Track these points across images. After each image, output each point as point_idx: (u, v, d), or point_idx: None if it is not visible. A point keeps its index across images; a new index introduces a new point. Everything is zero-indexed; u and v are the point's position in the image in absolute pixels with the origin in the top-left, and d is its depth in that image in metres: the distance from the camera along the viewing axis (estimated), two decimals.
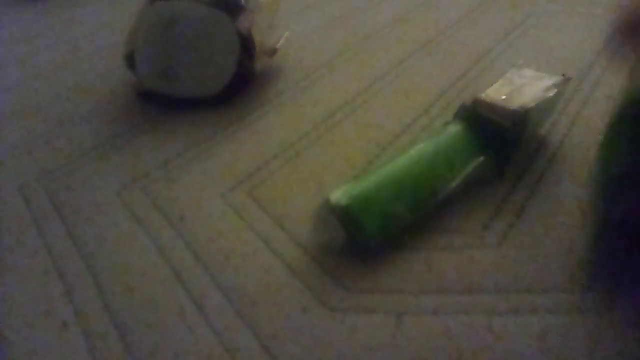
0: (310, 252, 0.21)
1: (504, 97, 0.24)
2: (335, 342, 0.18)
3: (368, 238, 0.20)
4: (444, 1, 0.46)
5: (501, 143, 0.24)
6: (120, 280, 0.21)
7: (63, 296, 0.21)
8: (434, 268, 0.20)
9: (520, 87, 0.25)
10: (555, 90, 0.25)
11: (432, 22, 0.42)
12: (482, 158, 0.23)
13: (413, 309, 0.19)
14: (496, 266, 0.20)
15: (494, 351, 0.17)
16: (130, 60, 0.32)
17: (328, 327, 0.18)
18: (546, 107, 0.25)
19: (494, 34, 0.39)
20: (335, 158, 0.27)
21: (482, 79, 0.33)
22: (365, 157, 0.27)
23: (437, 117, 0.29)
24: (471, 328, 0.18)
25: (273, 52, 0.36)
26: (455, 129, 0.24)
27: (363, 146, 0.28)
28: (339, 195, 0.21)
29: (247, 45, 0.32)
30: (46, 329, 0.19)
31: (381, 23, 0.43)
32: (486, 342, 0.17)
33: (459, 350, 0.17)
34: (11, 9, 0.56)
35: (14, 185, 0.27)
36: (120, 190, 0.26)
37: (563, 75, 0.25)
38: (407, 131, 0.29)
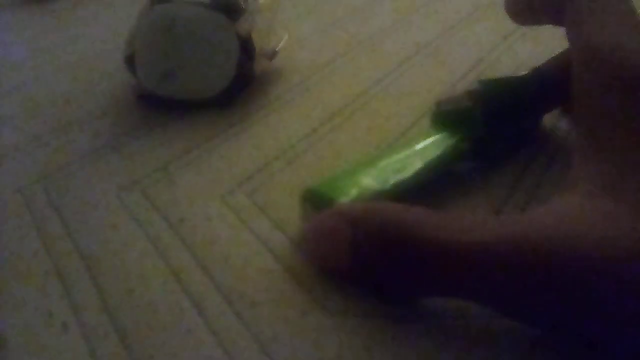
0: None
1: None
2: (334, 345, 0.18)
3: None
4: (444, 3, 0.46)
5: (470, 126, 0.24)
6: (120, 282, 0.21)
7: (63, 297, 0.21)
8: None
9: None
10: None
11: (432, 24, 0.42)
12: (454, 139, 0.23)
13: (412, 312, 0.19)
14: None
15: (494, 353, 0.17)
16: (130, 62, 0.32)
17: (327, 330, 0.18)
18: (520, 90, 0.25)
19: (494, 35, 0.39)
20: (335, 160, 0.27)
21: None
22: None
23: None
24: (471, 330, 0.18)
25: (273, 54, 0.36)
26: (431, 132, 0.24)
27: (363, 148, 0.28)
28: (315, 184, 0.21)
29: (246, 48, 0.32)
30: (46, 330, 0.19)
31: (381, 25, 0.43)
32: (486, 343, 0.17)
33: (459, 352, 0.17)
34: (11, 11, 0.56)
35: (13, 187, 0.27)
36: (120, 192, 0.26)
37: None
38: (407, 133, 0.29)
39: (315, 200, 0.21)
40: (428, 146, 0.23)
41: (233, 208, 0.24)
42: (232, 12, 0.32)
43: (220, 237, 0.23)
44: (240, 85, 0.33)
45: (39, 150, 0.30)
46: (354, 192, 0.21)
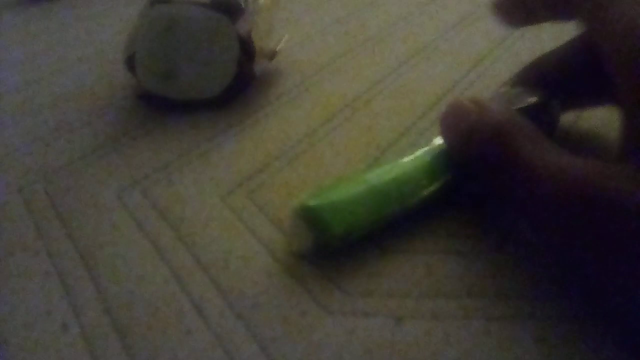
0: (309, 256, 0.21)
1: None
2: (334, 345, 0.18)
3: (333, 239, 0.20)
4: (443, 4, 0.46)
5: None
6: (119, 282, 0.21)
7: (63, 298, 0.21)
8: (434, 272, 0.20)
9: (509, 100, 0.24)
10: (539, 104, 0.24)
11: (432, 24, 0.42)
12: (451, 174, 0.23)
13: (412, 312, 0.19)
14: (496, 271, 0.20)
15: (493, 356, 0.17)
16: (130, 62, 0.32)
17: (327, 331, 0.18)
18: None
19: (493, 36, 0.39)
20: (334, 161, 0.27)
21: (481, 81, 0.33)
22: (364, 160, 0.27)
23: (437, 120, 0.29)
24: (470, 332, 0.18)
25: (273, 54, 0.36)
26: (438, 143, 0.23)
27: (362, 149, 0.28)
28: (306, 197, 0.21)
29: (246, 48, 0.32)
30: (46, 331, 0.19)
31: (380, 26, 0.43)
32: (485, 346, 0.17)
33: (458, 354, 0.17)
34: (12, 11, 0.56)
35: (14, 187, 0.28)
36: (120, 192, 0.26)
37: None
38: (407, 134, 0.29)
39: (309, 217, 0.20)
40: (436, 172, 0.22)
41: (233, 208, 0.24)
42: (232, 12, 0.32)
43: (220, 237, 0.23)
44: (240, 86, 0.33)
45: (39, 150, 0.31)
46: (351, 224, 0.20)
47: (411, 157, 0.23)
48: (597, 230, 0.16)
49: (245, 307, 0.20)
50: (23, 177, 0.28)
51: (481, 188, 0.23)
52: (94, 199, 0.26)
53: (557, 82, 0.24)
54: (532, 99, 0.23)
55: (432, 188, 0.22)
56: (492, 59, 0.35)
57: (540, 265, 0.20)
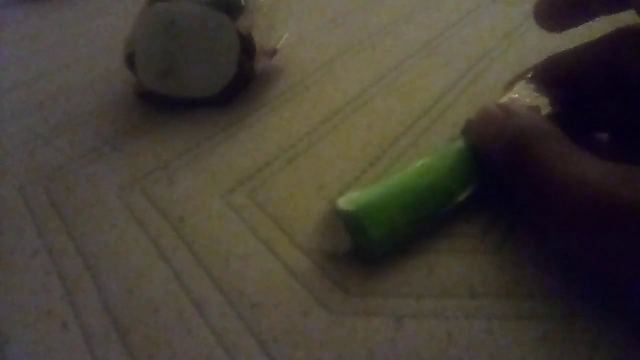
0: (310, 255, 0.21)
1: None
2: (335, 344, 0.18)
3: (374, 246, 0.20)
4: (444, 1, 0.46)
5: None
6: (120, 281, 0.21)
7: (63, 297, 0.21)
8: (435, 272, 0.20)
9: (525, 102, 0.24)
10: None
11: (432, 22, 0.42)
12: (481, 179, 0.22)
13: (413, 312, 0.19)
14: (497, 270, 0.20)
15: (494, 355, 0.17)
16: (130, 60, 0.32)
17: (328, 330, 0.18)
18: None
19: (494, 34, 0.38)
20: (335, 159, 0.27)
21: (482, 79, 0.33)
22: (365, 159, 0.27)
23: (438, 118, 0.29)
24: (472, 332, 0.18)
25: (273, 52, 0.36)
26: (460, 144, 0.23)
27: (363, 147, 0.28)
28: (346, 201, 0.20)
29: (247, 46, 0.32)
30: (46, 330, 0.19)
31: (381, 23, 0.43)
32: (487, 345, 0.17)
33: (459, 354, 0.17)
34: (12, 9, 0.56)
35: (14, 186, 0.27)
36: (121, 191, 0.26)
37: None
38: (408, 133, 0.29)
39: (349, 223, 0.20)
40: (465, 178, 0.22)
41: (233, 207, 0.24)
42: (233, 10, 0.31)
43: (220, 236, 0.23)
44: (240, 84, 0.33)
45: (39, 149, 0.30)
46: (392, 230, 0.20)
47: (440, 156, 0.22)
48: (625, 237, 0.16)
49: (246, 306, 0.20)
50: (23, 176, 0.28)
51: (502, 191, 0.23)
52: (94, 198, 0.26)
53: (572, 84, 0.24)
54: (552, 104, 0.23)
55: (465, 194, 0.22)
56: (493, 56, 0.35)
57: (541, 265, 0.20)
